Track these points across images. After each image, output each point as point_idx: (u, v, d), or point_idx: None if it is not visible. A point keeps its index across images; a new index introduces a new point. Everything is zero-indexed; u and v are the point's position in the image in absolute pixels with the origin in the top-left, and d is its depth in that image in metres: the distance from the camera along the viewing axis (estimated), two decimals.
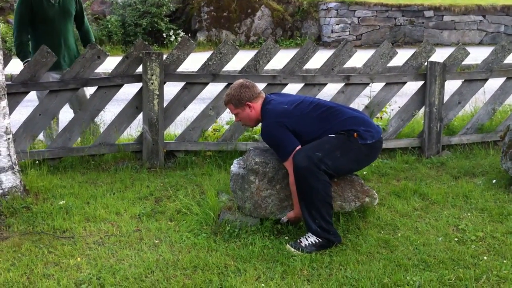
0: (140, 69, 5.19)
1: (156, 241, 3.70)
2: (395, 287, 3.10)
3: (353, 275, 3.22)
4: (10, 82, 4.91)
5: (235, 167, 3.98)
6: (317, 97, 4.58)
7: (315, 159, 3.50)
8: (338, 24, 15.82)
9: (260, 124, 3.88)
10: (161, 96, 5.18)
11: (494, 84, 6.30)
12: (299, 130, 3.64)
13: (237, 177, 3.91)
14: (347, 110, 3.81)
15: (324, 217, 3.55)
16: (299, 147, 3.59)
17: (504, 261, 3.38)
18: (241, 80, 3.87)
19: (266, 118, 3.71)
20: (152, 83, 5.12)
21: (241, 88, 3.78)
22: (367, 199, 3.92)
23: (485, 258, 3.42)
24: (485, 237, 3.73)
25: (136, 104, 5.30)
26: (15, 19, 5.46)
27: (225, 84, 5.39)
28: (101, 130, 5.62)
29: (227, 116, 6.03)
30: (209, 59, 5.33)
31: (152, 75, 5.11)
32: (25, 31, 5.40)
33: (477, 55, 9.59)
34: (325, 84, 5.57)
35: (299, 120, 3.66)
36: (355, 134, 3.61)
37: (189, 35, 15.45)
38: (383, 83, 5.68)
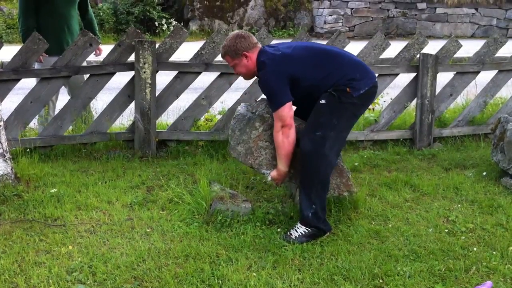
0: (132, 57, 5.17)
1: (148, 230, 3.70)
2: (385, 277, 3.12)
3: (344, 265, 3.24)
4: (1, 69, 4.87)
5: (242, 108, 3.91)
6: None
7: (318, 139, 3.51)
8: (331, 15, 15.79)
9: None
10: (153, 85, 5.15)
11: (486, 77, 6.33)
12: (297, 75, 3.58)
13: (242, 117, 3.84)
14: (342, 55, 3.77)
15: (322, 203, 3.60)
16: (290, 102, 3.55)
17: (494, 252, 3.41)
18: (236, 31, 3.80)
19: (266, 67, 3.61)
20: (144, 72, 5.09)
21: (237, 39, 3.69)
22: (345, 193, 3.93)
23: (475, 249, 3.45)
24: (475, 229, 3.76)
25: (128, 93, 5.27)
26: (20, 4, 5.42)
27: (218, 73, 5.38)
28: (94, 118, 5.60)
29: (219, 106, 6.02)
30: (202, 48, 5.31)
31: (144, 64, 5.08)
32: (31, 16, 5.35)
33: (469, 47, 9.61)
34: None
35: (298, 63, 3.61)
36: (348, 89, 3.58)
37: (182, 24, 15.35)
38: (376, 75, 5.67)
